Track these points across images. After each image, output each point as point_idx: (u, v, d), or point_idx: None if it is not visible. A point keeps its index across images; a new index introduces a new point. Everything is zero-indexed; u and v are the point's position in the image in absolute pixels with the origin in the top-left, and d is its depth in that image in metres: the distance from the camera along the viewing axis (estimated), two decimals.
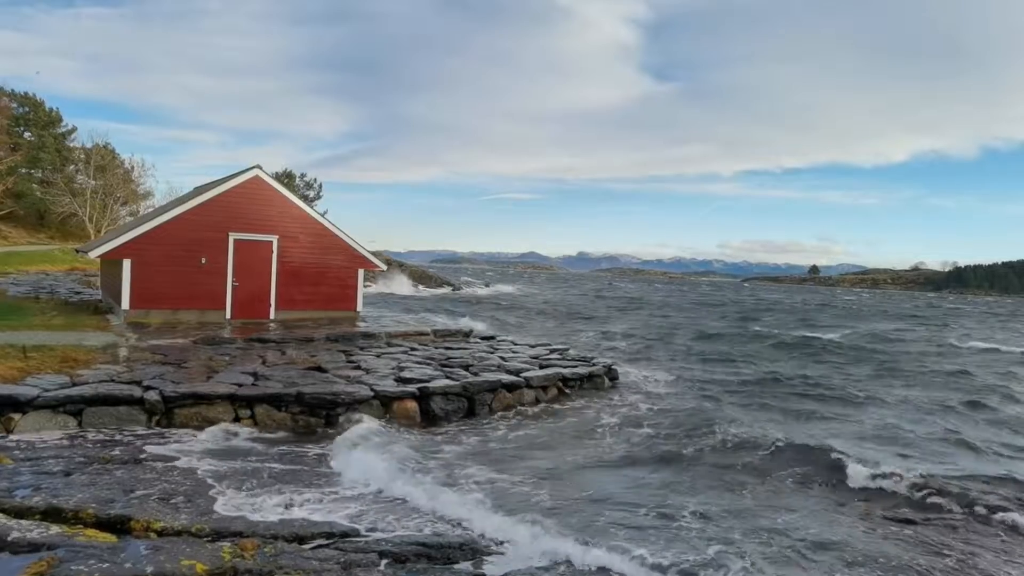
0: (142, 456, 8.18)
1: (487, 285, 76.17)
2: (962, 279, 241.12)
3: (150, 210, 49.56)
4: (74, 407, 9.42)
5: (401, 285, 55.24)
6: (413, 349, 15.49)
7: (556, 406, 12.97)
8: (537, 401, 13.07)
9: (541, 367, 14.24)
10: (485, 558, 6.19)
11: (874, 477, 8.89)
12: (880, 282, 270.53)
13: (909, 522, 7.66)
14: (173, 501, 6.60)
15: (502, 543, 6.53)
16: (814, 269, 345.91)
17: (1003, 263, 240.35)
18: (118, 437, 8.99)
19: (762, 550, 6.62)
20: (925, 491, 8.42)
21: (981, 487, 8.68)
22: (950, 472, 9.47)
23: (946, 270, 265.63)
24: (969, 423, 13.66)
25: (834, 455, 9.74)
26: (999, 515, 7.78)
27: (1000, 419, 14.20)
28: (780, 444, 10.31)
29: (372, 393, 11.11)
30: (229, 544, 5.69)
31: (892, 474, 8.85)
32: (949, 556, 6.69)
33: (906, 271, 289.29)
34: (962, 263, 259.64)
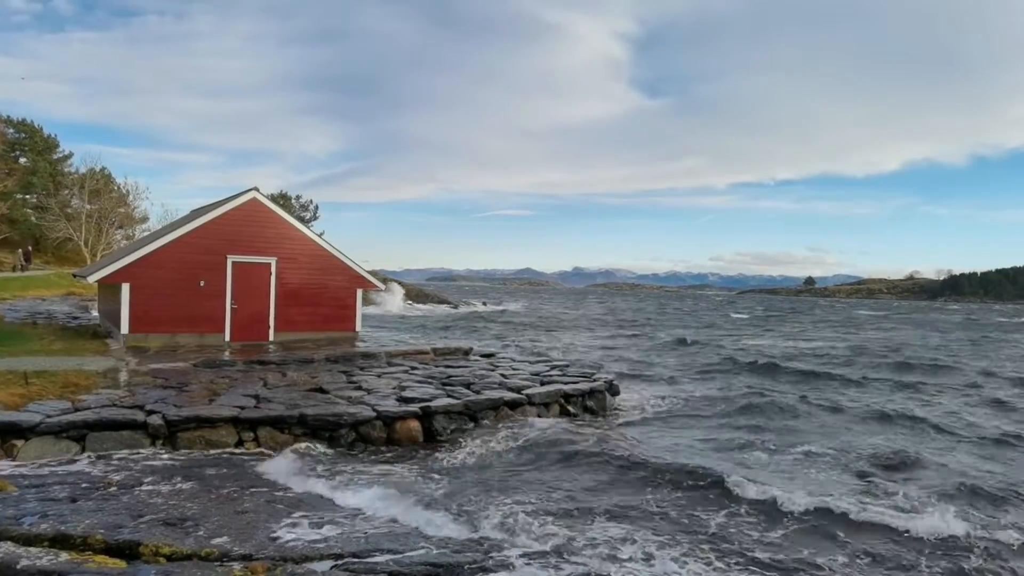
0: (147, 480, 8.16)
1: (484, 304, 76.14)
2: (957, 287, 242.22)
3: (146, 234, 49.63)
4: (77, 432, 9.41)
5: (398, 305, 55.29)
6: (413, 368, 15.49)
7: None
8: (539, 418, 13.07)
9: (542, 384, 14.24)
10: None
11: None
12: (876, 291, 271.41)
13: None
14: (183, 526, 6.59)
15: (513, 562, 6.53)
16: (809, 280, 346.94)
17: (997, 270, 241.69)
18: (122, 461, 8.97)
19: None
20: None
21: None
22: None
23: (941, 278, 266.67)
24: None
25: None
26: None
27: None
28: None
29: (375, 413, 11.12)
30: (239, 567, 5.68)
31: None
32: None
33: (901, 280, 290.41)
34: (956, 271, 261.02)
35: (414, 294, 63.11)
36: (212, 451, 9.80)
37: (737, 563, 6.75)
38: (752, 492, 8.66)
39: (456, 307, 63.99)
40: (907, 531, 7.61)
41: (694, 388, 18.00)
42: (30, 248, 53.77)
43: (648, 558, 6.80)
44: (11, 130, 60.65)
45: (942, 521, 7.75)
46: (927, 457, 10.92)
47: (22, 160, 60.44)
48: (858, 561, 6.91)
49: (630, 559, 6.77)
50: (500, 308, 67.65)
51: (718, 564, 6.74)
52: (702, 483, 9.09)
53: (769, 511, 8.15)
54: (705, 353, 27.55)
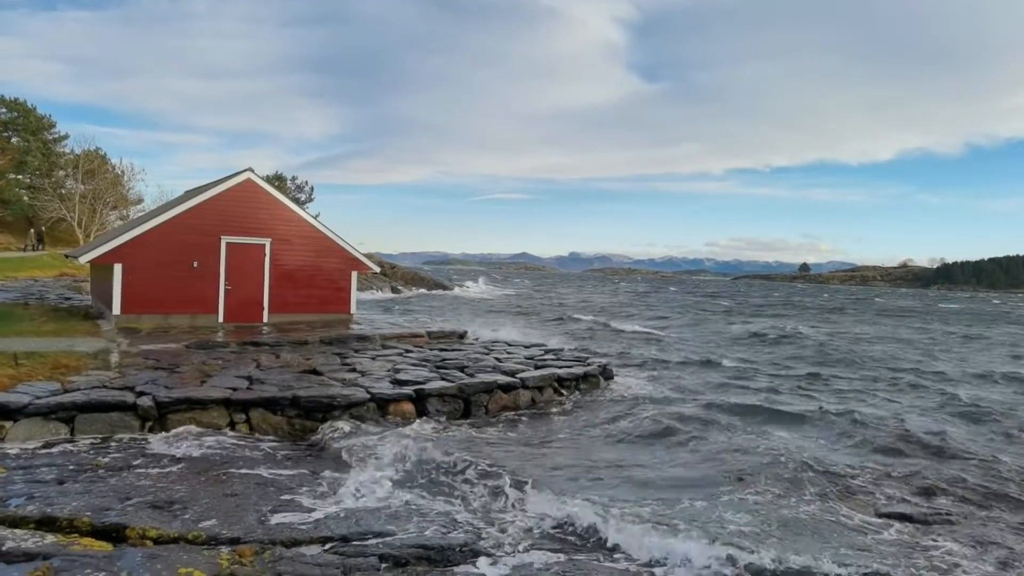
0: (136, 463, 8.08)
1: (480, 286, 76.07)
2: (950, 275, 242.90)
3: (140, 214, 49.36)
4: (66, 414, 9.30)
5: (394, 288, 55.16)
6: (408, 351, 15.41)
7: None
8: (533, 402, 13.03)
9: (536, 367, 14.18)
10: (486, 559, 6.13)
11: None
12: (869, 279, 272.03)
13: None
14: (171, 509, 6.52)
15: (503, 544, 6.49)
16: (804, 267, 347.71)
17: (989, 259, 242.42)
18: (111, 443, 8.89)
19: None
20: None
21: None
22: None
23: (934, 267, 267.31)
24: None
25: None
26: None
27: None
28: None
29: (368, 395, 11.05)
30: (227, 551, 5.62)
31: None
32: None
33: (895, 268, 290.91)
34: (949, 260, 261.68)
35: (409, 277, 62.96)
36: (203, 433, 9.71)
37: None
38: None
39: (450, 290, 63.94)
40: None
41: (679, 380, 17.58)
42: (43, 229, 53.92)
43: None
44: (3, 110, 60.10)
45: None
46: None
47: (14, 140, 59.88)
48: None
49: None
50: (482, 294, 67.29)
51: None
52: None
53: None
54: (686, 346, 27.33)
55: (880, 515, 7.80)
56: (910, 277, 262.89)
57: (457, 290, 66.25)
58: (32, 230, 53.17)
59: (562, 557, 6.31)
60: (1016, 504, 8.40)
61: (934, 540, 7.11)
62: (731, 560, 6.18)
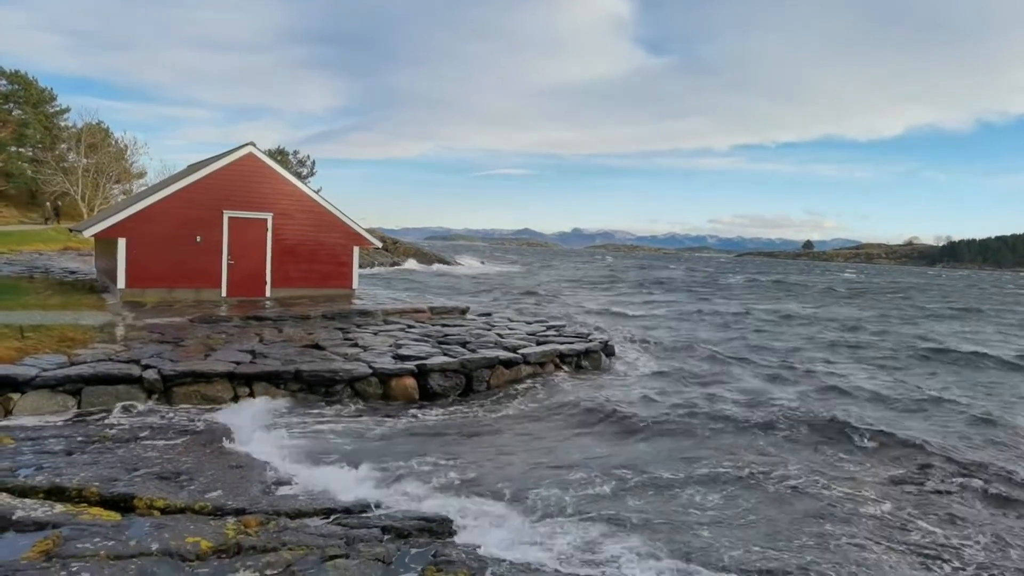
0: (142, 434, 8.20)
1: (482, 263, 76.14)
2: (956, 253, 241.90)
3: (143, 189, 49.33)
4: (73, 386, 9.42)
5: (395, 262, 55.28)
6: (410, 326, 15.50)
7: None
8: (535, 377, 13.12)
9: (538, 343, 14.28)
10: (487, 532, 6.25)
11: None
12: (874, 257, 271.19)
13: None
14: (178, 479, 6.64)
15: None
16: (808, 244, 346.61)
17: (996, 237, 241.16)
18: (117, 416, 9.01)
19: None
20: None
21: None
22: None
23: (940, 244, 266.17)
24: None
25: None
26: None
27: None
28: None
29: (371, 370, 11.15)
30: (233, 521, 5.73)
31: None
32: None
33: (900, 245, 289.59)
34: (956, 237, 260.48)
35: (410, 252, 63.06)
36: (207, 406, 9.83)
37: None
38: None
39: (450, 265, 64.03)
40: None
41: (672, 361, 17.44)
42: (60, 203, 54.43)
43: None
44: (3, 82, 59.75)
45: None
46: None
47: (16, 112, 59.59)
48: None
49: None
50: (481, 269, 67.26)
51: None
52: None
53: None
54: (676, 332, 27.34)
55: (868, 505, 7.85)
56: (915, 255, 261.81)
57: (457, 266, 66.39)
58: (48, 203, 53.99)
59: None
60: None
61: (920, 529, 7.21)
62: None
